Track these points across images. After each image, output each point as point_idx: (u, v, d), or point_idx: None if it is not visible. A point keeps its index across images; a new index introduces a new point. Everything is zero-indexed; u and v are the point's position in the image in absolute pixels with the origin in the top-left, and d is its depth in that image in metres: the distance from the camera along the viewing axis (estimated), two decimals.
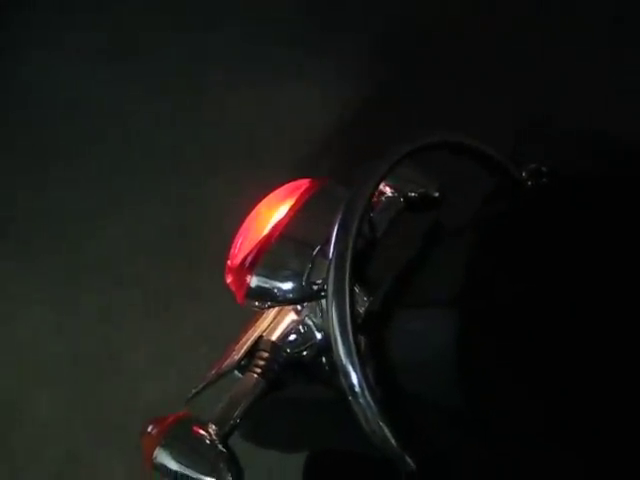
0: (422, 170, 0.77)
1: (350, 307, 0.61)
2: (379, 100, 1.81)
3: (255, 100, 1.84)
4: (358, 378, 0.60)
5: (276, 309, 0.74)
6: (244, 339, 0.74)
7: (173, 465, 0.67)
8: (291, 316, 0.73)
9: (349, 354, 0.60)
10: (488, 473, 0.61)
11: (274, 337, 0.72)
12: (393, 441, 0.60)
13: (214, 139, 1.81)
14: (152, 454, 0.68)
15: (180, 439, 0.68)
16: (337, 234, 0.63)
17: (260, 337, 0.73)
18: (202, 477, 0.66)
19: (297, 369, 0.72)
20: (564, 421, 0.58)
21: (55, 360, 1.57)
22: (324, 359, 0.72)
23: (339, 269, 0.61)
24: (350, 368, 0.60)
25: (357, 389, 0.60)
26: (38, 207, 1.78)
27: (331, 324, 0.61)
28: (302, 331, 0.72)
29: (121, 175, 1.79)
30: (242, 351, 0.73)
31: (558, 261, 0.62)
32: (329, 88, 1.84)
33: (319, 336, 0.72)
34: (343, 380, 0.60)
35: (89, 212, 1.74)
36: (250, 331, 0.74)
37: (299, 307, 0.72)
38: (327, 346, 0.69)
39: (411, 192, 0.76)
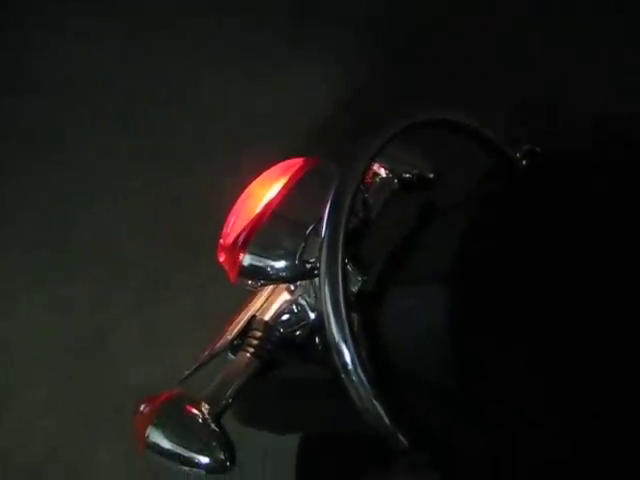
0: (417, 151, 0.77)
1: (343, 285, 0.60)
2: (379, 100, 1.81)
3: (255, 93, 1.84)
4: (351, 356, 0.59)
5: (269, 289, 0.74)
6: (237, 319, 0.74)
7: (165, 443, 0.67)
8: (284, 296, 0.73)
9: (342, 331, 0.60)
10: (480, 454, 0.61)
11: (267, 317, 0.72)
12: (386, 419, 0.60)
13: (211, 126, 1.80)
14: (144, 433, 0.68)
15: (172, 417, 0.68)
16: (329, 211, 0.63)
17: (253, 317, 0.73)
18: (195, 455, 0.66)
19: (290, 349, 0.72)
20: (560, 407, 0.57)
21: (49, 349, 1.57)
22: (317, 339, 0.72)
23: (331, 247, 0.61)
24: (343, 346, 0.59)
25: (350, 367, 0.59)
26: (27, 196, 1.77)
27: (324, 302, 0.60)
28: (295, 311, 0.72)
29: (115, 159, 1.78)
30: (235, 331, 0.73)
31: (552, 240, 0.62)
32: (328, 88, 1.84)
33: (312, 316, 0.72)
34: (336, 358, 0.60)
35: (81, 198, 1.74)
36: (243, 312, 0.74)
37: (292, 287, 0.72)
38: (320, 325, 0.69)
39: (405, 173, 0.76)
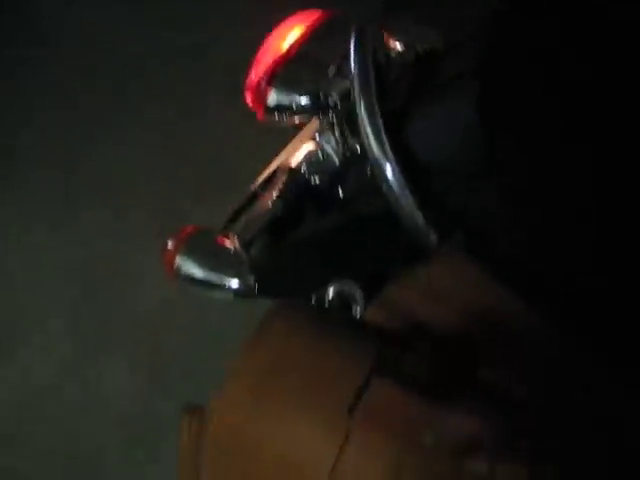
0: (428, 26, 0.79)
1: (378, 105, 0.63)
2: None
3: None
4: (392, 167, 0.62)
5: (294, 142, 0.76)
6: (264, 171, 0.76)
7: (196, 271, 0.68)
8: (308, 145, 0.75)
9: (382, 147, 0.62)
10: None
11: (292, 164, 0.74)
12: (423, 220, 0.63)
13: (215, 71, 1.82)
14: (174, 262, 0.69)
15: (202, 246, 0.69)
16: (355, 39, 0.66)
17: (278, 167, 0.75)
18: (225, 278, 0.67)
19: (313, 197, 0.74)
20: (591, 187, 0.60)
21: (59, 279, 1.58)
22: (339, 189, 0.74)
23: (362, 63, 0.64)
24: (384, 160, 0.62)
25: (391, 177, 0.62)
26: (35, 134, 1.79)
27: (361, 117, 0.63)
28: (319, 159, 0.74)
29: (122, 102, 1.80)
30: (261, 179, 0.75)
31: (571, 38, 0.64)
32: None
33: (335, 163, 0.74)
34: (378, 173, 0.63)
35: (88, 134, 1.76)
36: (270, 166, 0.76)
37: (317, 137, 0.74)
38: (343, 172, 0.72)
39: (420, 47, 0.78)
